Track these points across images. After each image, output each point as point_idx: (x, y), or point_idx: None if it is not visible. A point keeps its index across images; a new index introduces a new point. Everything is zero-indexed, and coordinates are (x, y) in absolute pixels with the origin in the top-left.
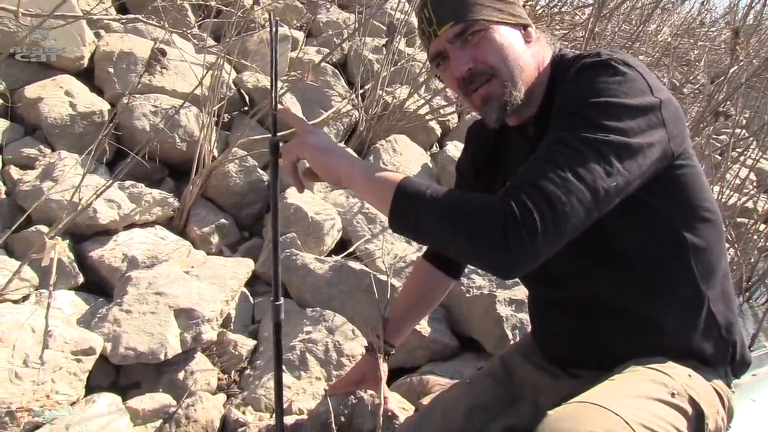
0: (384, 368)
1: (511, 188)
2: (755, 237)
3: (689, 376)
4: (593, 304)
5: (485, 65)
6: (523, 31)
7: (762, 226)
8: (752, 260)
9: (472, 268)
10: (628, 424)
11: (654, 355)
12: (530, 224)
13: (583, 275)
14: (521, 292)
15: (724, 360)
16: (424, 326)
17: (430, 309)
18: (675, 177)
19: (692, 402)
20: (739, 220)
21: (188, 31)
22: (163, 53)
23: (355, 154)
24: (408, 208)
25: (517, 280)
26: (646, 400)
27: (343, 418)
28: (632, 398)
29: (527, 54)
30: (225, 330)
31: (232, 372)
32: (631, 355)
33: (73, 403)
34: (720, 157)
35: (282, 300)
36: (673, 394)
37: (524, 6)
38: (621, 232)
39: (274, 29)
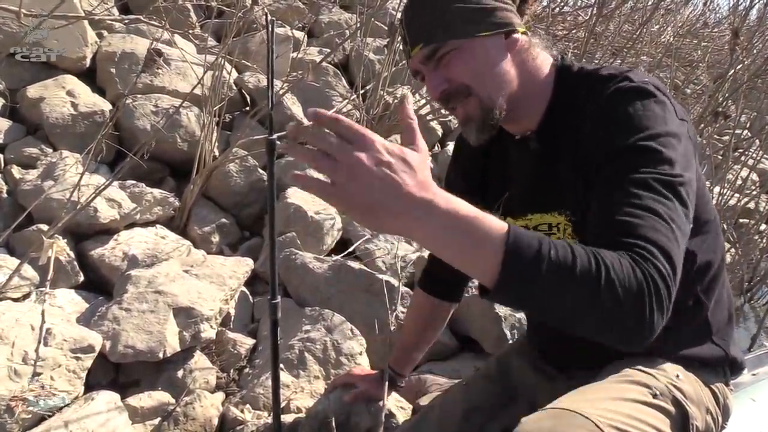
0: (389, 394)
1: (634, 247)
2: (756, 238)
3: (677, 376)
4: None
5: (459, 85)
6: (505, 40)
7: (763, 227)
8: (753, 261)
9: None
10: (598, 427)
11: (648, 357)
12: (666, 294)
13: None
14: None
15: (719, 363)
16: None
17: (436, 336)
18: None
19: (676, 402)
20: (740, 220)
21: (190, 32)
22: (160, 54)
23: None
24: (524, 277)
25: None
26: (625, 402)
27: (341, 417)
28: (609, 401)
29: (508, 65)
30: (224, 329)
31: (231, 371)
32: (625, 357)
33: (71, 401)
34: (721, 158)
35: (279, 298)
36: (655, 395)
37: (531, 6)
38: None
39: (270, 29)
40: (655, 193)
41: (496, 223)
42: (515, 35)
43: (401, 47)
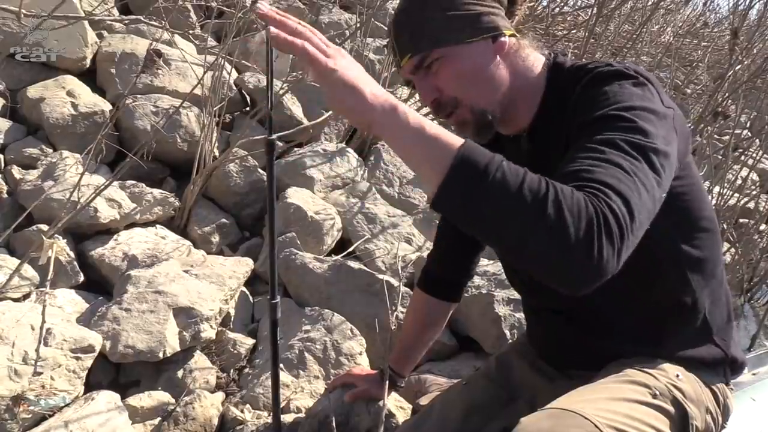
0: (390, 394)
1: (586, 187)
2: (756, 238)
3: (677, 376)
4: (587, 311)
5: (448, 96)
6: (491, 43)
7: (763, 227)
8: (753, 261)
9: None
10: (597, 427)
11: (648, 357)
12: (618, 232)
13: None
14: None
15: (719, 363)
16: None
17: (436, 336)
18: (676, 192)
19: (676, 402)
20: (740, 220)
21: (190, 32)
22: (159, 54)
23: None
24: (468, 186)
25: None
26: (624, 402)
27: (341, 417)
28: (609, 401)
29: (497, 69)
30: (224, 329)
31: (231, 370)
32: (624, 358)
33: (72, 401)
34: (721, 158)
35: (279, 298)
36: (655, 395)
37: (520, 7)
38: None
39: (269, 29)
40: (621, 152)
41: (453, 136)
42: (503, 38)
43: (392, 57)
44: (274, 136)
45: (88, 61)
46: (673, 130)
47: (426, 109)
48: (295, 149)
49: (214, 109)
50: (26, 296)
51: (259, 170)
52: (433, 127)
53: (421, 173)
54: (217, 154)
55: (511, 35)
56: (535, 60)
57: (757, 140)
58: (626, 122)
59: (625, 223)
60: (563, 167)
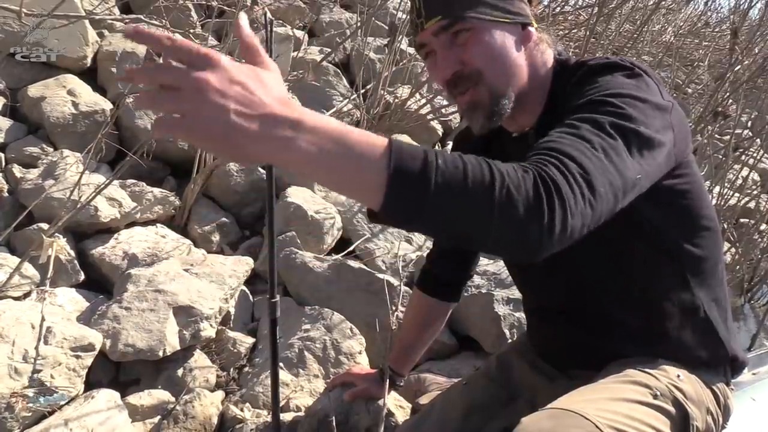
0: (390, 394)
1: (542, 156)
2: (756, 237)
3: (678, 376)
4: (587, 310)
5: (472, 69)
6: (521, 31)
7: (763, 227)
8: (753, 261)
9: None
10: (598, 428)
11: (648, 358)
12: (568, 195)
13: (577, 283)
14: None
15: (720, 362)
16: None
17: (435, 336)
18: (676, 190)
19: (676, 403)
20: (740, 220)
21: (190, 31)
22: (158, 54)
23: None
24: (411, 202)
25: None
26: (625, 402)
27: (340, 416)
28: (609, 402)
29: (521, 58)
30: (224, 328)
31: (231, 369)
32: (625, 358)
33: (72, 399)
34: (722, 157)
35: (278, 297)
36: (655, 396)
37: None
38: (619, 242)
39: (269, 29)
40: (598, 129)
41: (373, 138)
42: (530, 29)
43: (411, 19)
44: None
45: (88, 60)
46: (669, 124)
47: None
48: None
49: None
50: (26, 295)
51: (260, 169)
52: (342, 126)
53: (347, 190)
54: None
55: (536, 28)
56: (548, 57)
57: (758, 140)
58: (611, 107)
59: (578, 186)
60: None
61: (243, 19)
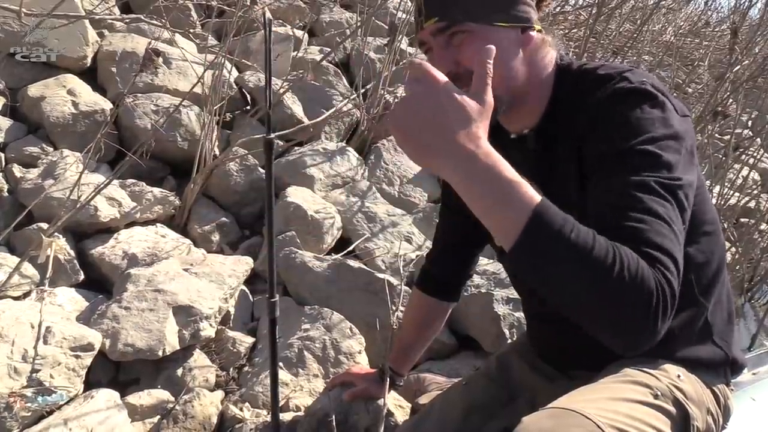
0: (389, 393)
1: (643, 254)
2: (757, 237)
3: (678, 376)
4: None
5: (466, 69)
6: (520, 35)
7: (763, 226)
8: (753, 260)
9: None
10: (599, 427)
11: (649, 358)
12: (671, 302)
13: None
14: None
15: (720, 364)
16: None
17: (434, 335)
18: None
19: (677, 403)
20: (741, 220)
21: (190, 31)
22: (158, 53)
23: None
24: (543, 246)
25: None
26: (626, 402)
27: (340, 416)
28: (610, 401)
29: (519, 61)
30: (224, 327)
31: (231, 369)
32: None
33: (71, 399)
34: (722, 157)
35: (277, 297)
36: (656, 396)
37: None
38: None
39: (268, 29)
40: (655, 195)
41: (529, 191)
42: (531, 32)
43: (414, 16)
44: (272, 135)
45: (88, 60)
46: (690, 151)
47: None
48: (296, 148)
49: (215, 107)
50: (26, 294)
51: (259, 169)
52: (509, 173)
53: (490, 224)
54: (217, 152)
55: (538, 30)
56: (551, 59)
57: (758, 139)
58: (652, 158)
59: (676, 288)
60: (607, 215)
61: (491, 53)
